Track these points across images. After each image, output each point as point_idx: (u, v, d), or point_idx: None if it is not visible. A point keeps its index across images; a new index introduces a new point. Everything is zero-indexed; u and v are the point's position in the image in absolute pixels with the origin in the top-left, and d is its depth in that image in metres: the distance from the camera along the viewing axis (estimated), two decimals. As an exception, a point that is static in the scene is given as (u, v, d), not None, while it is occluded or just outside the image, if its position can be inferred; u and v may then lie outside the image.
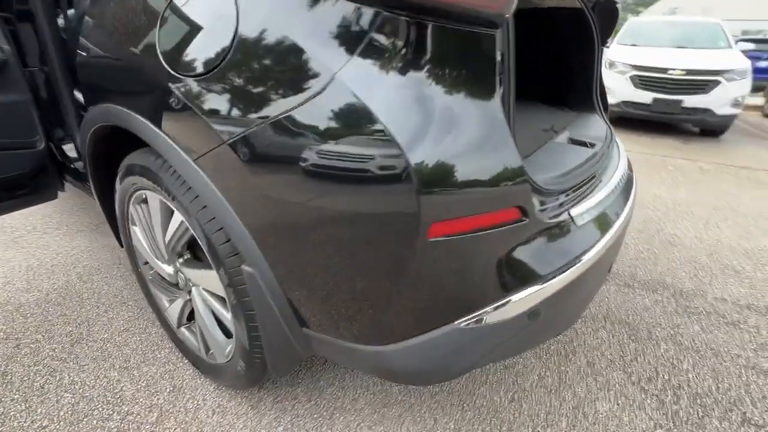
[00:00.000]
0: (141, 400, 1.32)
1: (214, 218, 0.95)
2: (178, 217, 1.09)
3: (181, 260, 1.24)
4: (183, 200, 0.99)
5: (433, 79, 0.72)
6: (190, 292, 1.30)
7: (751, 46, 5.75)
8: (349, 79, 0.71)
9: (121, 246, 1.57)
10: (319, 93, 0.72)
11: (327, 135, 0.72)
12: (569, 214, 0.93)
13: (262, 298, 0.93)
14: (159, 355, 1.50)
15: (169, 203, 1.09)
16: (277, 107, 0.76)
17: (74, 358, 1.47)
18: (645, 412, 1.35)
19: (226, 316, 1.13)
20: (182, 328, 1.42)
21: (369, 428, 1.27)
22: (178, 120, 0.91)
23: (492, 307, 0.82)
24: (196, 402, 1.33)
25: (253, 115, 0.78)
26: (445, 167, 0.71)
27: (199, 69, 0.84)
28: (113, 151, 1.34)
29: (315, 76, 0.73)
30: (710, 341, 1.67)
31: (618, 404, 1.37)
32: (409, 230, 0.72)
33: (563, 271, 0.87)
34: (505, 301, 0.82)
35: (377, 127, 0.69)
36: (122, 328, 1.62)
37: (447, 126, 0.72)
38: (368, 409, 1.33)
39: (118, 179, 1.29)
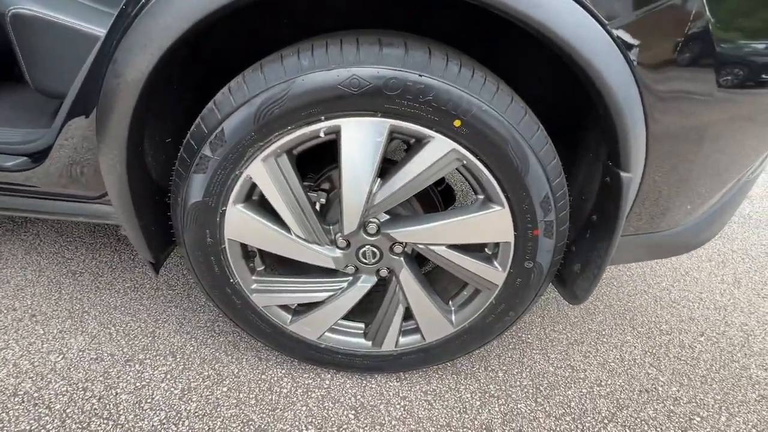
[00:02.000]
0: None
1: (547, 142, 0.70)
2: (437, 149, 0.70)
3: (371, 226, 0.82)
4: (500, 108, 0.66)
5: None
6: (378, 272, 0.89)
7: None
8: None
9: (156, 264, 0.88)
10: None
11: None
12: None
13: (624, 209, 0.75)
14: (284, 389, 1.00)
15: (425, 129, 0.68)
16: None
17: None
18: None
19: (488, 270, 0.85)
20: (327, 334, 0.98)
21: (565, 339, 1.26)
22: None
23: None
24: (407, 405, 0.99)
25: None
26: None
27: None
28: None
29: None
30: None
31: None
32: None
33: None
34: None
35: None
36: (213, 399, 0.97)
37: None
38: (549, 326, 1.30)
39: (236, 119, 0.69)
